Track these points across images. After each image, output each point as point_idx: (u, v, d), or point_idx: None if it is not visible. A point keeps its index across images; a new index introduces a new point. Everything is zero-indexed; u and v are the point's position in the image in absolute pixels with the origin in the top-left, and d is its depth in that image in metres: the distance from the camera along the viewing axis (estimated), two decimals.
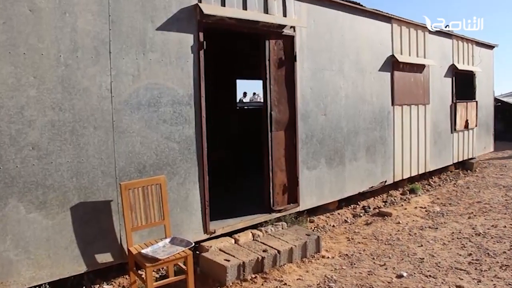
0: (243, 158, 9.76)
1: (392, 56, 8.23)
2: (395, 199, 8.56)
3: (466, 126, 11.22)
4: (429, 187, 9.84)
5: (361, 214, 7.56)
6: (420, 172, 9.42)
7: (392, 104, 8.29)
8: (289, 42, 6.11)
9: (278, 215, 6.03)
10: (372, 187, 7.92)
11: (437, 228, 6.71)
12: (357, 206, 7.95)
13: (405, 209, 7.88)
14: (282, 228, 5.81)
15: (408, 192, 8.99)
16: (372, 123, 7.81)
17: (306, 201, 6.47)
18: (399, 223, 7.05)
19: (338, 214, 7.46)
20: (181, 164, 4.85)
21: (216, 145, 9.32)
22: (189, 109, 4.90)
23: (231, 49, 10.50)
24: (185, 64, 4.84)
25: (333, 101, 6.90)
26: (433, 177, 10.57)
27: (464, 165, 11.70)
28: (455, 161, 10.97)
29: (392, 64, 8.27)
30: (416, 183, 9.62)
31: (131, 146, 4.45)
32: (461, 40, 10.93)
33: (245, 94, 19.55)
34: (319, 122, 6.66)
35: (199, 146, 4.98)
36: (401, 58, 8.36)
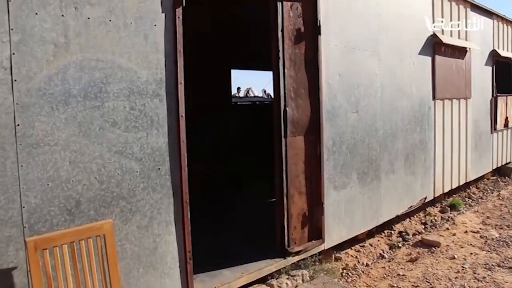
0: (242, 170, 7.82)
1: (434, 36, 6.35)
2: (435, 220, 6.69)
3: (506, 125, 9.39)
4: (470, 200, 7.98)
5: (399, 244, 5.67)
6: (460, 183, 7.57)
7: (433, 98, 6.41)
8: (311, 6, 4.19)
9: (297, 258, 4.13)
10: (411, 206, 6.05)
11: (510, 267, 4.85)
12: (392, 231, 6.06)
13: (453, 234, 6.01)
14: (303, 281, 3.91)
15: (448, 208, 7.12)
16: (412, 122, 5.93)
17: (333, 235, 4.57)
18: (454, 258, 5.18)
19: (371, 245, 5.56)
20: (145, 195, 2.92)
21: (205, 152, 7.42)
22: (158, 104, 2.97)
23: (224, 30, 8.56)
24: (151, 29, 2.92)
25: (366, 93, 5.00)
26: (470, 187, 8.72)
27: (500, 171, 9.87)
28: (494, 167, 9.15)
29: (433, 47, 6.39)
30: (454, 196, 7.77)
31: (53, 169, 2.52)
32: (502, 21, 9.07)
33: (239, 89, 17.53)
34: (350, 123, 4.76)
35: (175, 164, 3.07)
36: (445, 39, 6.47)
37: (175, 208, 3.07)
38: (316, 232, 4.35)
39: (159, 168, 2.98)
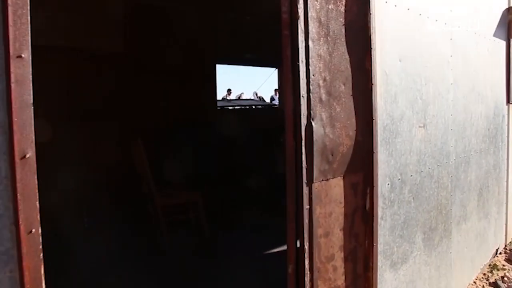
0: (235, 204, 5.71)
1: (510, 9, 4.31)
2: (508, 277, 4.63)
3: None
4: None
5: None
6: None
7: (508, 101, 4.38)
8: None
9: None
10: (483, 266, 4.01)
11: None
12: None
13: None
14: None
15: None
16: (486, 139, 3.89)
17: None
18: None
19: None
20: None
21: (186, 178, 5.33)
22: None
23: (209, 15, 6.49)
24: None
25: (436, 93, 2.94)
26: None
27: None
28: None
29: (508, 26, 4.35)
30: None
31: None
32: None
33: (229, 91, 15.37)
34: (415, 146, 2.69)
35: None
36: None
37: None
38: None
39: None
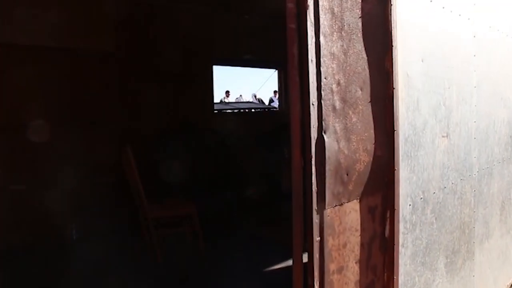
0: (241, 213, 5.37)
1: None
2: None
3: None
4: None
5: None
6: None
7: None
8: None
9: None
10: (506, 286, 3.66)
11: None
12: None
13: None
14: None
15: None
16: (508, 147, 3.54)
17: None
18: None
19: None
20: None
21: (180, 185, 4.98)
22: None
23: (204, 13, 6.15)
24: None
25: (460, 98, 2.59)
26: None
27: None
28: None
29: None
30: None
31: None
32: None
33: (227, 93, 14.99)
34: (438, 159, 2.34)
35: None
36: None
37: None
38: None
39: None
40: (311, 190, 1.52)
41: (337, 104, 1.61)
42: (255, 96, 14.33)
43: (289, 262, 1.81)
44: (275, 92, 12.27)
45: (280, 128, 5.53)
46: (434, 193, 2.31)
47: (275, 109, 10.23)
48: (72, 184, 4.59)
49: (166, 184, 4.80)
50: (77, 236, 4.83)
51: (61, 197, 4.48)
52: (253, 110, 9.78)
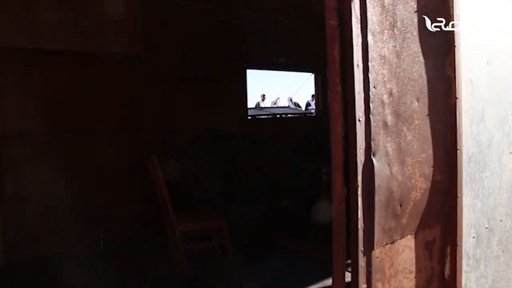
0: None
1: None
2: None
3: None
4: None
5: None
6: None
7: None
8: None
9: None
10: None
11: None
12: None
13: None
14: None
15: None
16: None
17: None
18: None
19: None
20: None
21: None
22: None
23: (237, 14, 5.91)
24: None
25: None
26: None
27: None
28: None
29: None
30: None
31: None
32: None
33: (263, 96, 14.67)
34: (506, 179, 1.97)
35: None
36: None
37: None
38: None
39: None
40: (357, 227, 1.22)
41: (389, 119, 1.30)
42: (291, 100, 14.02)
43: (326, 282, 1.51)
44: (312, 96, 11.95)
45: (316, 137, 5.21)
46: (501, 220, 1.94)
47: (311, 114, 9.91)
48: (99, 192, 4.47)
49: (194, 195, 4.58)
50: (103, 247, 4.70)
51: (89, 206, 4.36)
52: (289, 115, 9.48)
